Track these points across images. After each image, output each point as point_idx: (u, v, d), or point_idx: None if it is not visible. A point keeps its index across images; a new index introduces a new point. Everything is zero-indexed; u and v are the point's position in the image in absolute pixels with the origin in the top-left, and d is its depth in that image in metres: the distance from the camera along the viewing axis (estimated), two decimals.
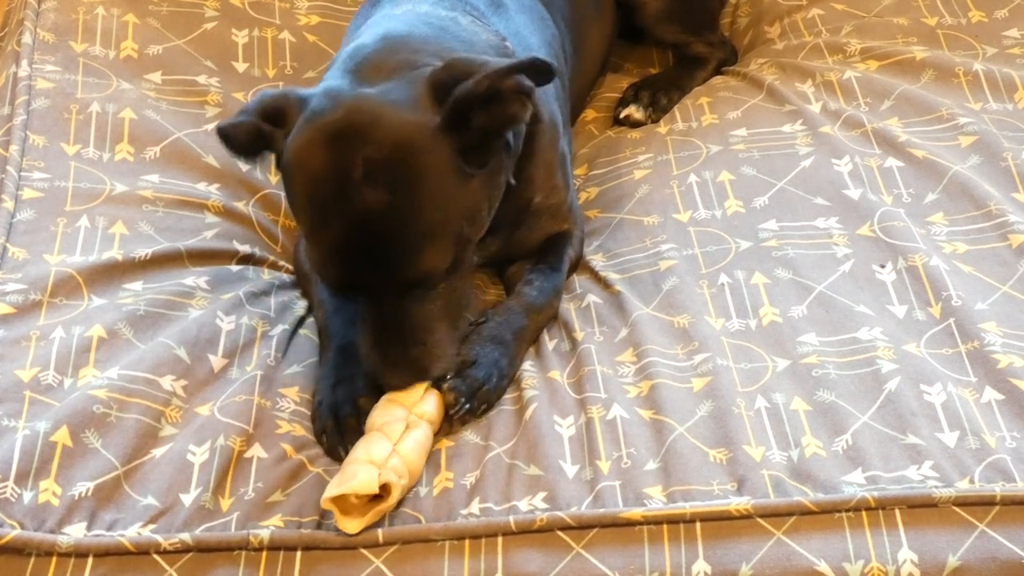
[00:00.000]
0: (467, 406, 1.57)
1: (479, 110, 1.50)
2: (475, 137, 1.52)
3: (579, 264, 1.87)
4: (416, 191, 1.48)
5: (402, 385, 1.54)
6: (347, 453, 1.51)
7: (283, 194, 1.92)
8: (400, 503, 1.46)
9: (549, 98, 1.80)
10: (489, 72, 1.49)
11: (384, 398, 1.54)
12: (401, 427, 1.49)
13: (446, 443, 1.54)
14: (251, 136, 1.56)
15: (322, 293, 1.72)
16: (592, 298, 1.76)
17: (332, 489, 1.41)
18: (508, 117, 1.52)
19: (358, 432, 1.52)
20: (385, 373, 1.54)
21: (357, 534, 1.41)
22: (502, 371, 1.62)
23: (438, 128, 1.49)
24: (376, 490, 1.40)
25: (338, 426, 1.55)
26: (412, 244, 1.49)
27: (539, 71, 1.51)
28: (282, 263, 1.85)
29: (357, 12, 1.97)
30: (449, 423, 1.57)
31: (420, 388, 1.54)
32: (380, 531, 1.42)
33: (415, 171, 1.49)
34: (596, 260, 1.85)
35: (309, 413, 1.59)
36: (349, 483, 1.40)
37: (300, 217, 1.55)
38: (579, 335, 1.69)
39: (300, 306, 1.77)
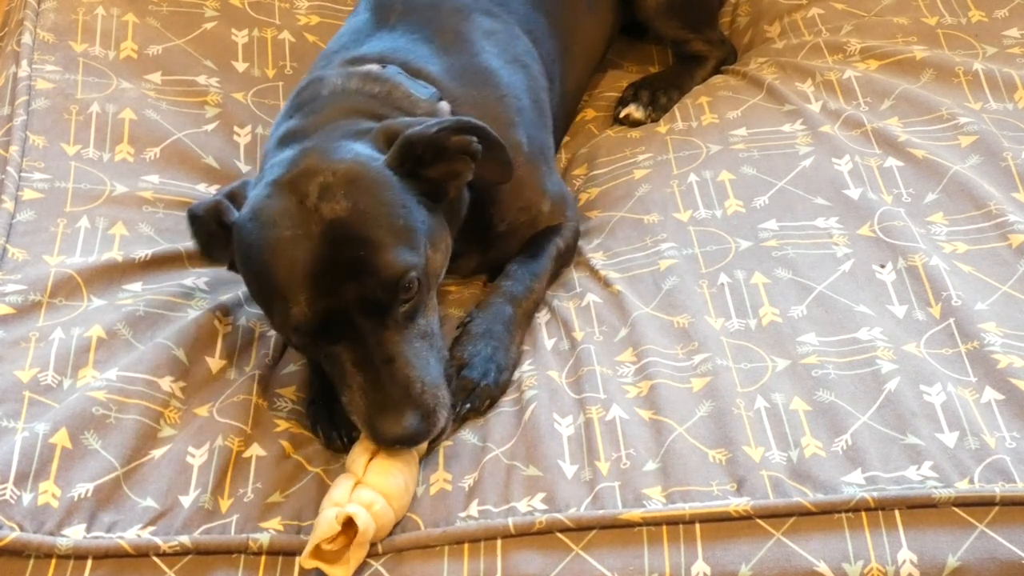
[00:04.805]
0: (467, 405, 1.57)
1: (428, 164, 1.57)
2: (426, 186, 1.58)
3: (574, 252, 1.88)
4: (374, 197, 1.52)
5: (398, 434, 1.45)
6: (344, 440, 1.53)
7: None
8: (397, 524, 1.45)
9: (521, 119, 1.85)
10: (440, 123, 1.58)
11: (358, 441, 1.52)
12: (364, 460, 1.46)
13: (445, 443, 1.54)
14: (211, 217, 1.58)
15: None
16: (592, 297, 1.75)
17: (306, 550, 1.39)
18: (453, 173, 1.61)
19: (351, 422, 1.52)
20: (381, 420, 1.45)
21: None
22: (500, 364, 1.63)
23: (386, 163, 1.56)
24: (338, 527, 1.38)
25: (332, 418, 1.56)
26: (382, 243, 1.49)
27: (483, 136, 1.60)
28: None
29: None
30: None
31: None
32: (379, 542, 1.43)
33: (369, 183, 1.53)
34: (596, 259, 1.84)
35: (304, 412, 1.60)
36: (314, 534, 1.39)
37: (262, 268, 1.51)
38: (578, 335, 1.69)
39: None
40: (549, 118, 2.00)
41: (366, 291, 1.47)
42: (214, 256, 1.62)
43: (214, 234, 1.59)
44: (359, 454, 1.48)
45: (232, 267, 1.62)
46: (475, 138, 1.60)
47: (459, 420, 1.57)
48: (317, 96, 1.72)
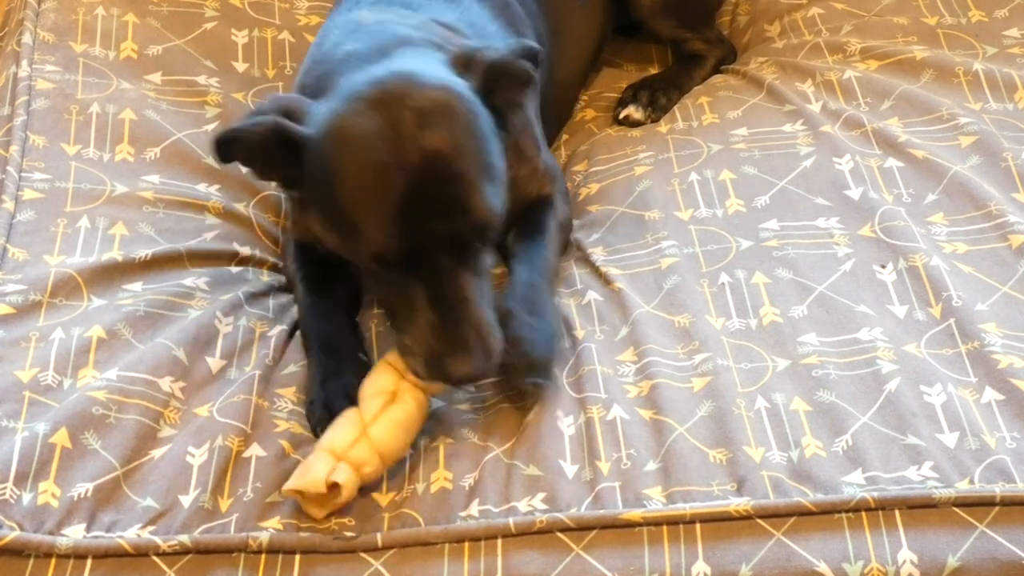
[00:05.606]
0: (543, 382, 1.56)
1: (498, 92, 1.55)
2: (494, 115, 1.55)
3: (571, 221, 1.88)
4: (472, 130, 1.49)
5: (468, 373, 1.46)
6: None
7: (283, 196, 1.92)
8: (373, 490, 1.47)
9: None
10: (510, 47, 1.58)
11: (381, 361, 1.52)
12: (378, 403, 1.46)
13: (445, 441, 1.54)
14: (268, 138, 1.50)
15: (299, 292, 1.73)
16: (592, 295, 1.75)
17: (290, 482, 1.41)
18: (514, 101, 1.58)
19: None
20: (452, 358, 1.45)
21: (324, 518, 1.43)
22: (557, 334, 1.63)
23: (472, 88, 1.53)
24: (323, 490, 1.39)
25: (332, 418, 1.54)
26: (476, 182, 1.47)
27: (531, 57, 1.58)
28: (282, 264, 1.85)
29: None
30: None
31: None
32: (379, 535, 1.42)
33: (466, 114, 1.50)
34: (597, 254, 1.84)
35: (304, 413, 1.59)
36: (301, 479, 1.40)
37: (348, 191, 1.47)
38: (579, 333, 1.68)
39: None
40: (537, 94, 1.99)
41: (457, 231, 1.46)
42: (268, 175, 1.57)
43: (272, 156, 1.51)
44: (379, 391, 1.47)
45: (289, 184, 1.57)
46: (532, 64, 1.58)
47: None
48: (363, 27, 1.68)
